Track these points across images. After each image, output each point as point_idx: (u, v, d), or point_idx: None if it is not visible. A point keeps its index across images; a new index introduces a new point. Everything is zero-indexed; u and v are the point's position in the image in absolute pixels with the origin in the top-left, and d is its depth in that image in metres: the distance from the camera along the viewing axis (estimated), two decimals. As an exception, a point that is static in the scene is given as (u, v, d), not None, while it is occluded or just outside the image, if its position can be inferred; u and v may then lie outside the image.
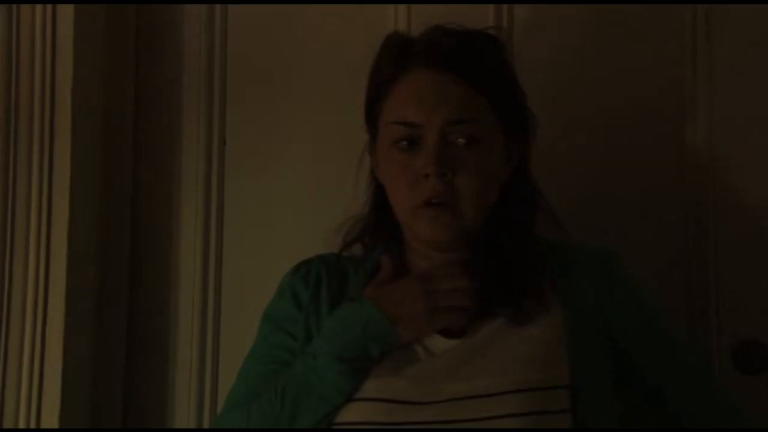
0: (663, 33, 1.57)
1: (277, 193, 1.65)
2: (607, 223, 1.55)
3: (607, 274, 1.26)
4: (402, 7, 1.61)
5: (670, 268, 1.54)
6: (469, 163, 1.20)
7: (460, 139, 1.20)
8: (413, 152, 1.21)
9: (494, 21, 1.58)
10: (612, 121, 1.57)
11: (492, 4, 1.59)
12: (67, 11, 1.58)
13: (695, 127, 1.55)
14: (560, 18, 1.60)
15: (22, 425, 1.54)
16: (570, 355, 1.17)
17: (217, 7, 1.70)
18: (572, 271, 1.25)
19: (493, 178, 1.24)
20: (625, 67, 1.58)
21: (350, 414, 1.18)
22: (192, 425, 1.65)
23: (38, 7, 1.58)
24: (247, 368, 1.29)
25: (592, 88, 1.58)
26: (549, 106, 1.56)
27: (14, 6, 1.58)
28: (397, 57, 1.27)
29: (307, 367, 1.19)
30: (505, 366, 1.15)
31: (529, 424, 1.11)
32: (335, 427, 1.19)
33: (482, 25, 1.50)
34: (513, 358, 1.16)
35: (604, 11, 1.58)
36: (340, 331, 1.19)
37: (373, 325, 1.18)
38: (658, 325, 1.28)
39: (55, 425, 1.54)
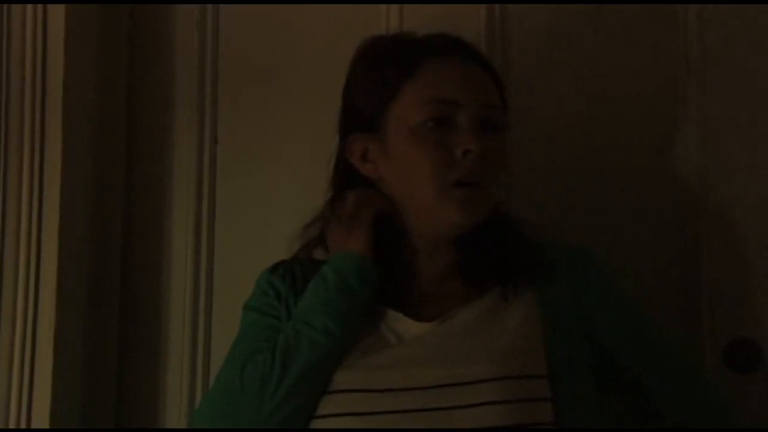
0: (655, 33, 1.57)
1: (269, 192, 1.65)
2: (599, 224, 1.55)
3: (583, 272, 1.26)
4: (394, 7, 1.62)
5: (662, 267, 1.54)
6: (498, 147, 1.23)
7: (487, 123, 1.22)
8: (444, 131, 1.22)
9: (486, 21, 1.58)
10: (605, 121, 1.58)
11: (484, 4, 1.59)
12: (58, 11, 1.58)
13: (688, 128, 1.55)
14: (552, 18, 1.60)
15: (12, 425, 1.53)
16: (547, 348, 1.17)
17: (209, 6, 1.70)
18: (550, 268, 1.25)
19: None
20: (617, 68, 1.58)
21: (328, 407, 1.17)
22: (184, 425, 1.64)
23: (29, 7, 1.58)
24: (237, 350, 1.27)
25: (583, 89, 1.58)
26: (541, 107, 1.57)
27: (5, 6, 1.58)
28: (402, 54, 1.27)
29: (296, 321, 1.21)
30: (483, 355, 1.15)
31: (509, 412, 1.11)
32: (315, 420, 1.18)
33: (474, 24, 1.52)
34: (491, 348, 1.15)
35: (596, 11, 1.58)
36: (317, 286, 1.22)
37: (337, 261, 1.22)
38: (637, 320, 1.28)
39: (46, 425, 1.54)
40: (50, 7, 1.58)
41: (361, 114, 1.29)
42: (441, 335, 1.19)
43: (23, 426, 1.53)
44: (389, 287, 1.24)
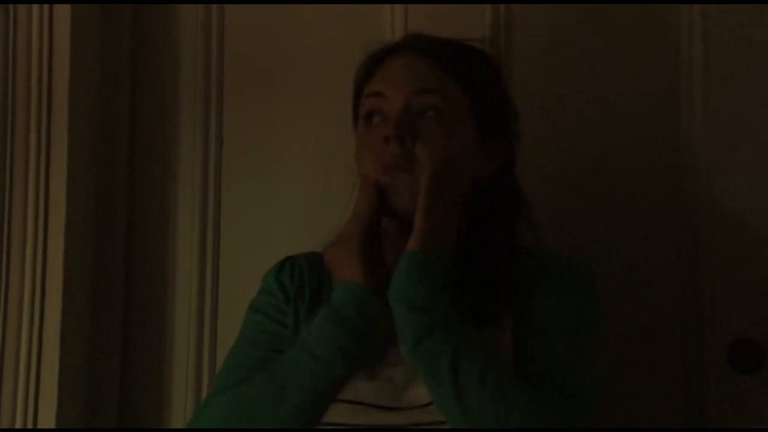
0: (659, 33, 1.58)
1: (274, 192, 1.65)
2: (602, 224, 1.56)
3: (566, 286, 1.24)
4: (399, 7, 1.61)
5: (665, 267, 1.54)
6: (430, 132, 1.20)
7: (428, 112, 1.21)
8: (379, 124, 1.23)
9: (491, 20, 1.58)
10: (607, 121, 1.58)
11: (489, 4, 1.59)
12: (64, 11, 1.58)
13: (690, 127, 1.55)
14: (556, 17, 1.60)
15: (18, 425, 1.54)
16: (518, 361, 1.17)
17: (214, 6, 1.70)
18: (538, 283, 1.23)
19: (459, 161, 1.22)
20: (621, 68, 1.58)
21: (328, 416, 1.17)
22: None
23: (35, 7, 1.58)
24: (237, 354, 1.27)
25: (587, 88, 1.58)
26: (543, 106, 1.57)
27: (11, 6, 1.58)
28: (376, 55, 1.30)
29: (300, 348, 1.18)
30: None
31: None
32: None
33: (479, 24, 1.52)
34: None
35: (600, 11, 1.59)
36: (325, 316, 1.19)
37: (338, 292, 1.19)
38: (573, 336, 1.21)
39: (52, 425, 1.54)
40: (56, 7, 1.58)
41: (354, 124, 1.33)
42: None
43: (29, 426, 1.53)
44: None
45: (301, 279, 1.29)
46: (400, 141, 1.19)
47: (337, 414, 1.16)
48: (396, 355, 1.19)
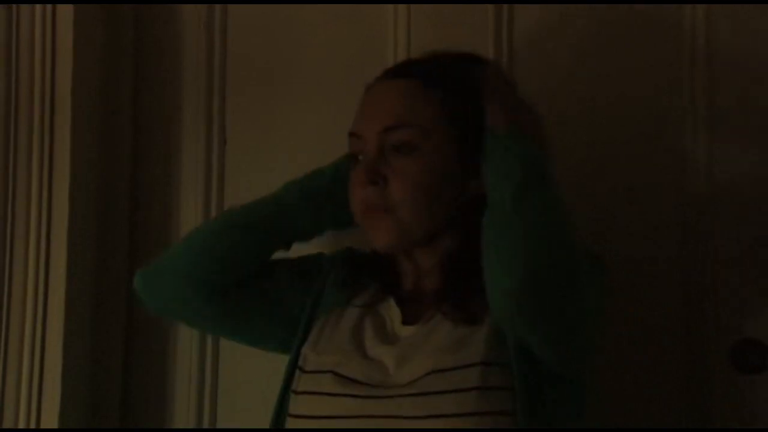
0: (663, 33, 1.57)
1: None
2: (605, 223, 1.55)
3: None
4: (402, 7, 1.61)
5: (666, 266, 1.54)
6: (401, 169, 1.21)
7: (401, 148, 1.22)
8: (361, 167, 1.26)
9: (494, 21, 1.58)
10: (610, 120, 1.58)
11: (492, 5, 1.59)
12: (66, 11, 1.58)
13: (694, 128, 1.55)
14: (560, 18, 1.60)
15: (21, 425, 1.54)
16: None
17: (217, 6, 1.70)
18: None
19: (436, 185, 1.23)
20: (624, 68, 1.58)
21: (307, 384, 1.22)
22: (191, 425, 1.65)
23: (38, 7, 1.58)
24: None
25: (591, 89, 1.58)
26: (547, 106, 1.57)
27: (14, 6, 1.58)
28: (368, 85, 1.31)
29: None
30: (426, 354, 1.18)
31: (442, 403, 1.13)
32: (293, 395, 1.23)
33: (482, 24, 1.51)
34: (434, 347, 1.18)
35: (604, 11, 1.58)
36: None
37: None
38: None
39: (55, 425, 1.54)
40: (59, 7, 1.58)
41: None
42: (411, 339, 1.22)
43: (33, 426, 1.54)
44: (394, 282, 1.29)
45: (344, 269, 1.35)
46: (372, 184, 1.22)
47: (325, 384, 1.20)
48: (387, 335, 1.24)
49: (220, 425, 1.65)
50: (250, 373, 1.61)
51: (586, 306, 1.15)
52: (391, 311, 1.27)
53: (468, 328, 1.19)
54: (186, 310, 1.37)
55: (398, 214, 1.21)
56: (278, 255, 1.40)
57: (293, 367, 1.27)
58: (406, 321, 1.25)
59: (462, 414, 1.12)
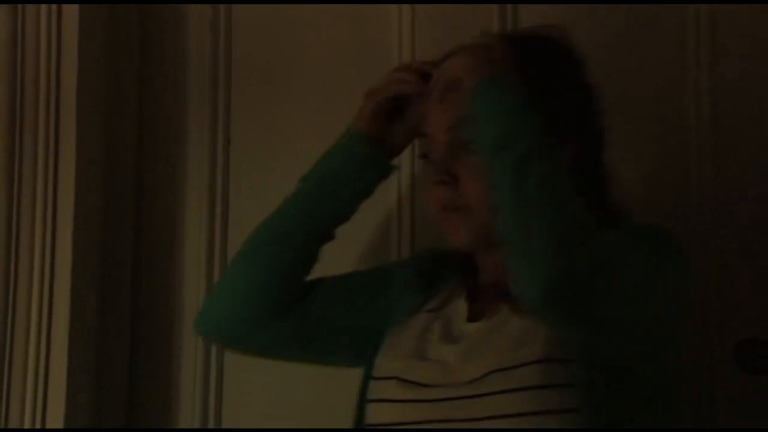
0: (667, 33, 1.57)
1: (282, 193, 1.63)
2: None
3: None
4: (406, 7, 1.61)
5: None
6: (472, 167, 1.19)
7: (462, 143, 1.19)
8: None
9: (498, 21, 1.58)
10: (613, 120, 1.57)
11: (496, 4, 1.59)
12: (71, 11, 1.58)
13: (698, 128, 1.55)
14: (563, 17, 1.59)
15: (27, 425, 1.54)
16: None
17: (221, 6, 1.70)
18: None
19: None
20: (628, 68, 1.58)
21: (375, 392, 1.22)
22: (196, 425, 1.65)
23: (43, 6, 1.58)
24: None
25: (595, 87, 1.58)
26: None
27: (19, 6, 1.58)
28: None
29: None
30: (487, 351, 1.16)
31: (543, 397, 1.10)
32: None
33: (487, 24, 1.51)
34: (496, 344, 1.16)
35: (608, 11, 1.58)
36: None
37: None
38: None
39: (60, 425, 1.54)
40: (64, 7, 1.58)
41: None
42: (476, 335, 1.20)
43: (38, 426, 1.53)
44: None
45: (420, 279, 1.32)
46: (444, 184, 1.20)
47: (390, 391, 1.20)
48: (452, 333, 1.22)
49: (225, 425, 1.65)
50: (255, 374, 1.61)
51: (633, 289, 1.09)
52: (459, 309, 1.25)
53: (533, 322, 1.15)
54: (253, 343, 1.35)
55: (472, 212, 1.19)
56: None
57: (367, 377, 1.26)
58: (471, 318, 1.22)
59: (524, 414, 1.09)
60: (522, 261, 1.05)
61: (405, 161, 1.57)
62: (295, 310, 1.32)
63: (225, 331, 1.34)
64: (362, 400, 1.25)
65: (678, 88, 1.56)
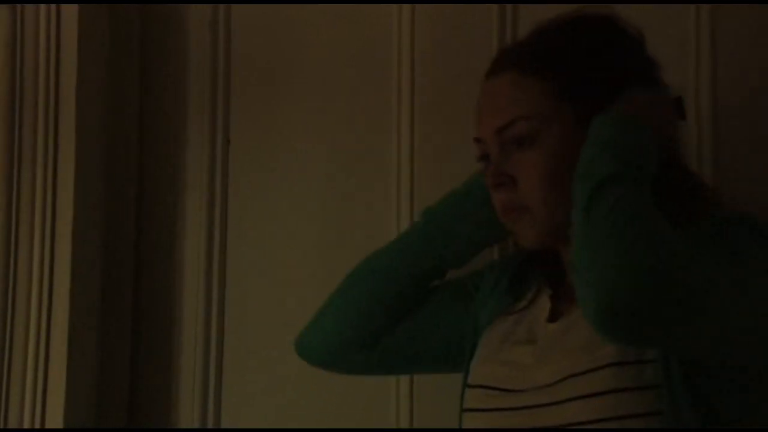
0: (667, 33, 1.57)
1: (281, 192, 1.65)
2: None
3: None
4: (406, 7, 1.60)
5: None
6: (525, 165, 1.18)
7: (514, 143, 1.18)
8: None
9: (498, 21, 1.58)
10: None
11: (496, 4, 1.59)
12: (71, 11, 1.58)
13: (699, 128, 1.55)
14: (564, 17, 1.59)
15: (26, 425, 1.54)
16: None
17: (221, 7, 1.70)
18: None
19: (565, 172, 1.14)
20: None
21: (466, 401, 1.22)
22: (196, 425, 1.65)
23: (42, 6, 1.58)
24: None
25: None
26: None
27: (18, 6, 1.58)
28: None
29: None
30: (562, 355, 1.14)
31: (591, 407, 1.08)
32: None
33: (487, 24, 1.51)
34: (570, 347, 1.14)
35: (608, 10, 1.58)
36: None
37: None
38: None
39: (60, 425, 1.54)
40: (63, 7, 1.58)
41: None
42: (552, 336, 1.18)
43: (37, 426, 1.54)
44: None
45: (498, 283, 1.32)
46: (502, 186, 1.19)
47: (474, 400, 1.21)
48: (532, 334, 1.21)
49: (225, 425, 1.65)
50: (255, 374, 1.62)
51: (724, 305, 1.04)
52: (543, 308, 1.23)
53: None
54: (349, 365, 1.38)
55: (532, 210, 1.17)
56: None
57: (463, 385, 1.26)
58: (552, 317, 1.21)
59: (600, 419, 1.06)
60: (583, 288, 1.03)
61: (405, 161, 1.57)
62: (393, 333, 1.34)
63: (323, 354, 1.37)
64: (461, 409, 1.25)
65: (678, 88, 1.56)
